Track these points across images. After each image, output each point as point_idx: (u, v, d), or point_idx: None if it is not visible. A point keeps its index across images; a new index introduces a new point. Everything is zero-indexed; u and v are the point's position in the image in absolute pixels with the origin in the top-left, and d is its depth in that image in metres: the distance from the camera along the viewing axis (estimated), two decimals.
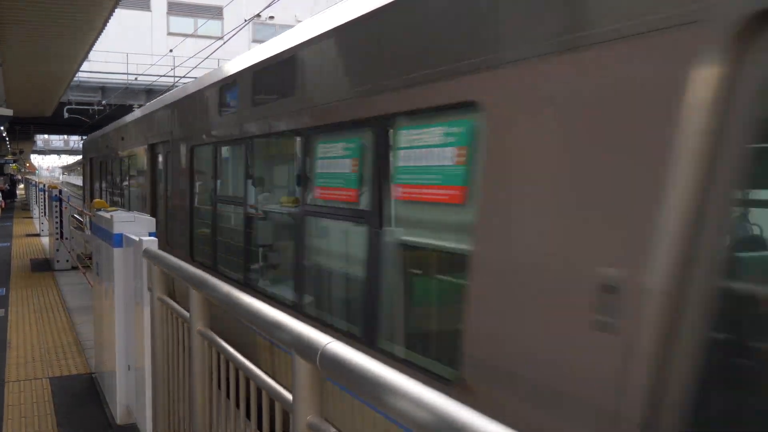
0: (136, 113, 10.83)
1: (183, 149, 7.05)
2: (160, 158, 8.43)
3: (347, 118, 3.55)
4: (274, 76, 4.53)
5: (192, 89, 6.87)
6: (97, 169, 15.18)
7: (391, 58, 3.14)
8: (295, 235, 4.21)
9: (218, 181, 6.06)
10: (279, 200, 4.82)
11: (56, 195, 12.41)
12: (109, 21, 9.66)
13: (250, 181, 5.17)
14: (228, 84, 5.50)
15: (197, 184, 6.74)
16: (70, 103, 24.72)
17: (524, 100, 2.32)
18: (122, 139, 11.55)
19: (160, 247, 3.99)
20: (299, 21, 30.40)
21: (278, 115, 4.46)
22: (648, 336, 1.82)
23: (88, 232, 12.97)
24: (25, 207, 32.93)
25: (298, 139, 4.30)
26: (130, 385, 4.46)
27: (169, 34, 32.77)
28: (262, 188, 5.14)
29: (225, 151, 5.93)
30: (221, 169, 6.08)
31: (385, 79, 3.17)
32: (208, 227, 6.13)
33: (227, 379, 2.40)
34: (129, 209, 9.22)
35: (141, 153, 9.50)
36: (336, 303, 3.89)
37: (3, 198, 31.77)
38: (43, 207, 17.07)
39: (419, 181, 3.00)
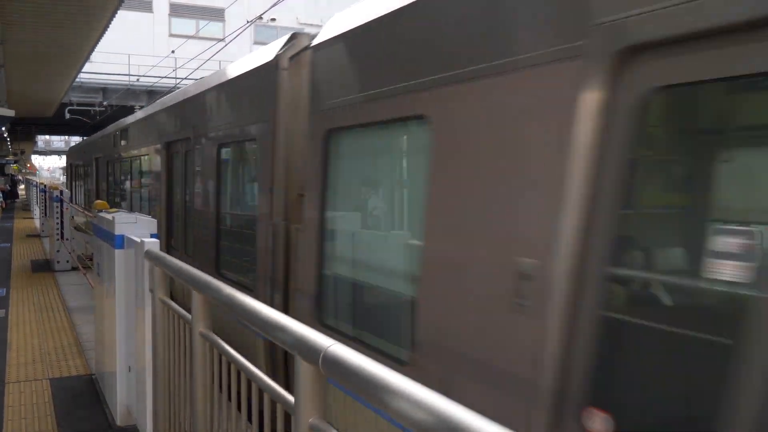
0: (92, 136, 18.46)
1: (104, 162, 14.55)
2: (100, 167, 15.49)
3: (131, 155, 10.78)
4: (123, 134, 11.71)
5: (107, 131, 14.68)
6: (74, 172, 22.72)
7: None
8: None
9: (116, 179, 13.29)
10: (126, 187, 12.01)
11: (57, 196, 12.42)
12: (111, 22, 9.68)
13: (122, 178, 12.38)
14: (111, 133, 13.61)
15: (109, 180, 14.18)
16: (71, 104, 24.72)
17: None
18: (84, 152, 19.36)
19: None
20: (302, 24, 30.43)
21: (127, 150, 11.28)
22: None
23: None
24: (26, 207, 32.96)
25: (130, 161, 11.02)
26: (131, 387, 4.46)
27: (171, 35, 32.83)
28: (129, 182, 11.57)
29: (115, 164, 13.16)
30: (115, 173, 13.41)
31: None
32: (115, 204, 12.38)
33: (228, 380, 2.40)
34: (87, 199, 17.20)
35: (92, 162, 16.59)
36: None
37: (4, 198, 31.80)
38: (43, 208, 17.21)
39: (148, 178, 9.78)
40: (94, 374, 5.69)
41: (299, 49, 4.63)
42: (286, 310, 4.47)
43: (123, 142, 11.82)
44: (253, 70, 5.14)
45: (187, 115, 7.20)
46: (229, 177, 6.22)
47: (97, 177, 15.93)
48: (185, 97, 7.38)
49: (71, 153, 25.32)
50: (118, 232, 4.44)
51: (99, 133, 16.52)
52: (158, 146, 8.56)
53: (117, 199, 12.84)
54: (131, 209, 10.22)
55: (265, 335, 1.99)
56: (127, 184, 11.76)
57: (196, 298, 2.73)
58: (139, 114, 10.49)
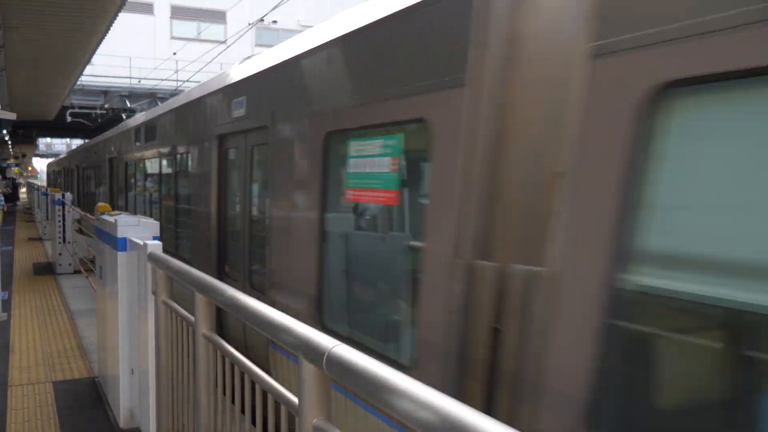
0: (69, 151, 24.62)
1: (77, 170, 19.43)
2: (76, 174, 20.02)
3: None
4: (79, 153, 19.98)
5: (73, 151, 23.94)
6: (54, 177, 29.60)
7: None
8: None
9: (81, 182, 18.44)
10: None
11: (59, 199, 12.43)
12: (112, 25, 9.69)
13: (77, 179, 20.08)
14: (72, 154, 23.23)
15: (78, 181, 19.41)
16: (72, 107, 24.75)
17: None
18: (61, 162, 25.69)
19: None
20: (303, 26, 30.45)
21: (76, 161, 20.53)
22: None
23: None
24: (28, 210, 32.99)
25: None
26: (134, 389, 4.47)
27: (173, 38, 32.87)
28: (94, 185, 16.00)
29: (76, 171, 20.44)
30: (80, 178, 18.98)
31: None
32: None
33: (232, 382, 2.40)
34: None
35: (70, 171, 21.85)
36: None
37: (5, 201, 31.83)
38: (45, 211, 17.29)
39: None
40: (96, 377, 5.69)
41: None
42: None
43: (67, 163, 21.50)
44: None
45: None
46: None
47: (78, 181, 20.08)
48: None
49: (51, 164, 33.43)
50: (120, 234, 4.44)
51: (71, 151, 25.55)
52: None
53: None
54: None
55: (269, 336, 1.99)
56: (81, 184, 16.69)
57: (199, 301, 2.73)
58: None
